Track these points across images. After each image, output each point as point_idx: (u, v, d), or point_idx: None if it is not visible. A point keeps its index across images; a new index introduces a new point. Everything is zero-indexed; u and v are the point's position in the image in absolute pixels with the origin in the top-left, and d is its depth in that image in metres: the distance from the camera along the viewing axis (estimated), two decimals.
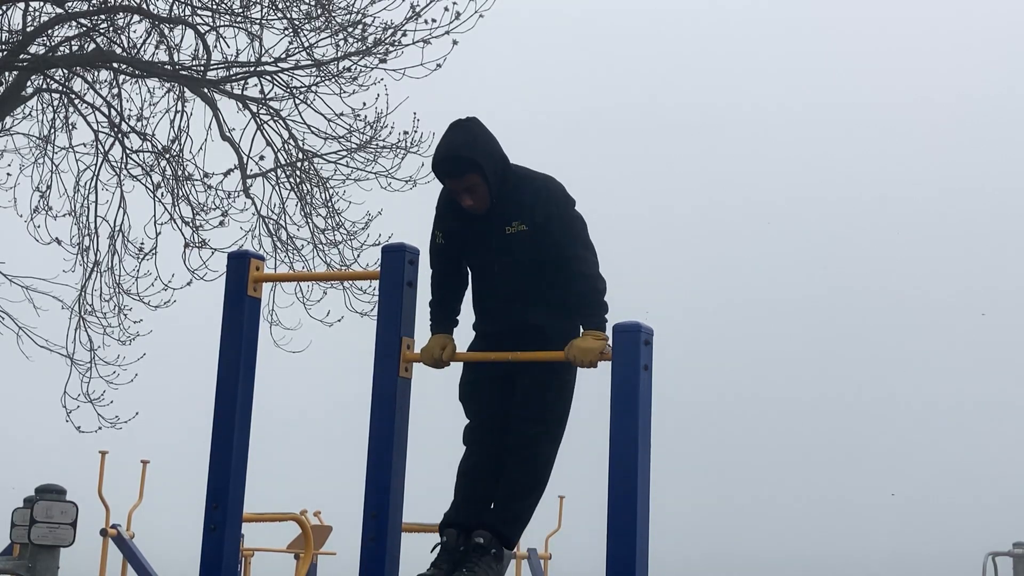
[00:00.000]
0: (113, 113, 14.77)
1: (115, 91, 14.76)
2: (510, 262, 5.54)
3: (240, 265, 5.71)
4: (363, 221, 14.65)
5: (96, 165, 14.85)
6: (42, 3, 14.40)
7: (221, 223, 14.44)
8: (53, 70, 14.68)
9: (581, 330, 5.46)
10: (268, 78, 14.16)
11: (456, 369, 5.74)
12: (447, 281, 5.73)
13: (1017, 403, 30.86)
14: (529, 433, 5.50)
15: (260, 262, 5.76)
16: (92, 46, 14.60)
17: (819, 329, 34.67)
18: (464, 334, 5.76)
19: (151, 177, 14.63)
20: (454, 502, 5.62)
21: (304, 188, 14.77)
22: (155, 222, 14.48)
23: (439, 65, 13.36)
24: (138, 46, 14.49)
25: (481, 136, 5.54)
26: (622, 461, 4.95)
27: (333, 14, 13.90)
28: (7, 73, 14.11)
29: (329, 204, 14.70)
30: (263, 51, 13.94)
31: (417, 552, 5.68)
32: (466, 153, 5.44)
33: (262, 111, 14.54)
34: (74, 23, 14.46)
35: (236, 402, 5.56)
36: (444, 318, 5.70)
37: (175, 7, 14.07)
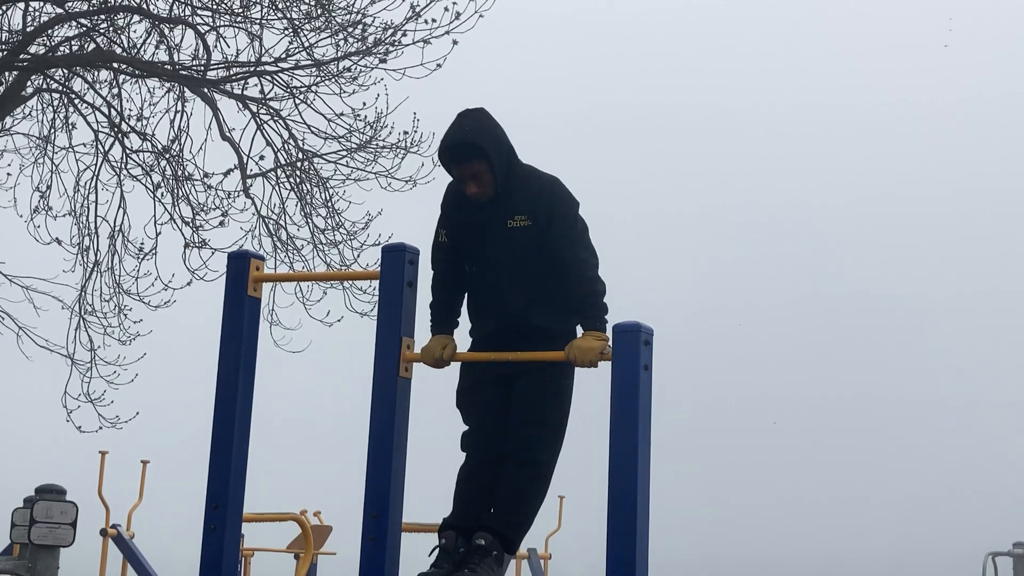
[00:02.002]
0: (113, 113, 14.77)
1: (115, 91, 14.76)
2: (511, 257, 5.53)
3: (240, 265, 5.70)
4: (363, 221, 14.65)
5: (96, 165, 14.86)
6: (42, 3, 14.39)
7: (221, 223, 14.44)
8: (53, 70, 14.67)
9: (580, 331, 5.47)
10: (268, 78, 14.15)
11: (456, 369, 5.73)
12: (448, 280, 5.72)
13: (1017, 403, 30.85)
14: (529, 436, 5.48)
15: (260, 262, 5.76)
16: (92, 46, 14.59)
17: (819, 330, 34.67)
18: (463, 337, 5.75)
19: (151, 177, 14.64)
20: (454, 507, 5.60)
21: (304, 188, 14.76)
22: (155, 222, 14.49)
23: (439, 65, 13.36)
24: (138, 46, 14.48)
25: (488, 124, 5.57)
26: (622, 461, 4.95)
27: (333, 14, 13.90)
28: (7, 73, 14.10)
29: (329, 204, 14.69)
30: (263, 51, 13.95)
31: (417, 552, 5.67)
32: (473, 139, 5.46)
33: (262, 111, 14.54)
34: (74, 23, 14.45)
35: (236, 402, 5.56)
36: (444, 319, 5.69)
37: (175, 7, 14.07)
